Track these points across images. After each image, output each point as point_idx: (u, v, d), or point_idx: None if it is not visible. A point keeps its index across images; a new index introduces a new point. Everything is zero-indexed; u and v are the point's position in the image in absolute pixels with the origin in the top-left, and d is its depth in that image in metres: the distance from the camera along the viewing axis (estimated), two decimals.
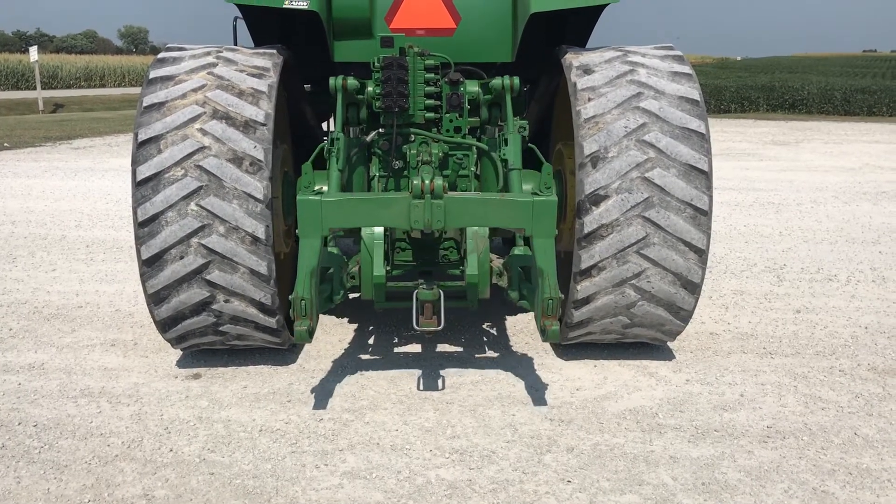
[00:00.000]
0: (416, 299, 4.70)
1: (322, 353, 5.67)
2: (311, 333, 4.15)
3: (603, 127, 4.86)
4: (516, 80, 5.38)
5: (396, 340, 5.92)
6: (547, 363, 5.49)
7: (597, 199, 4.81)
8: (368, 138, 5.23)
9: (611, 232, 4.83)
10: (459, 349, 5.73)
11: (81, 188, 13.26)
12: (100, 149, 19.52)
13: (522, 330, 6.17)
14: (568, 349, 5.66)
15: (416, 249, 5.44)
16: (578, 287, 4.97)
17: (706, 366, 5.47)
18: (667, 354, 5.65)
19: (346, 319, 6.39)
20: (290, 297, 4.16)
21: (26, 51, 41.95)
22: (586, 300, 5.03)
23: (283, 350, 5.60)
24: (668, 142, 4.83)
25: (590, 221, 4.82)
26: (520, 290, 4.83)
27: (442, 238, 5.37)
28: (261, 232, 4.75)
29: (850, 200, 12.18)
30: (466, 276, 4.94)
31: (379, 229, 5.07)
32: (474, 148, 5.45)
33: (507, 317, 6.48)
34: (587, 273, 4.93)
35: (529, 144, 5.20)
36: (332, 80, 5.29)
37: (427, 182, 4.04)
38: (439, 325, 4.67)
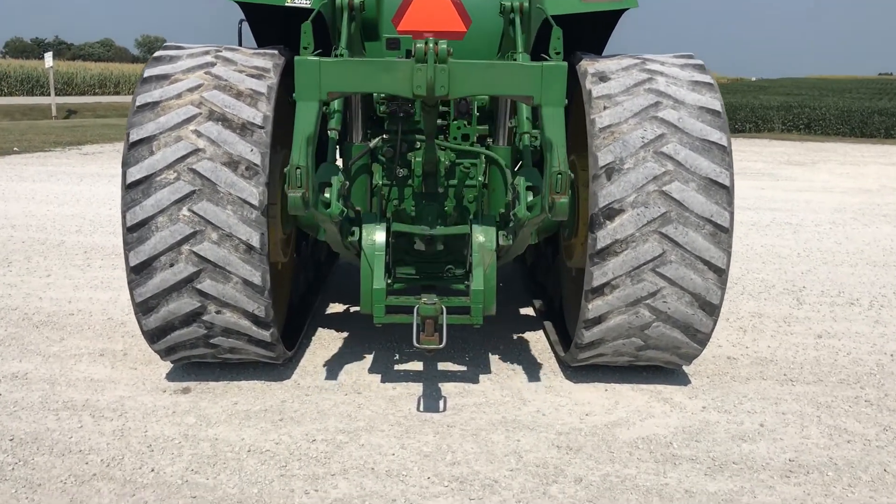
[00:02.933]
0: (417, 315, 4.43)
1: (318, 369, 5.40)
2: (306, 203, 3.85)
3: (619, 137, 4.60)
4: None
5: (397, 357, 5.65)
6: (555, 386, 5.20)
7: (611, 212, 4.54)
8: (372, 145, 4.98)
9: (625, 248, 4.56)
10: (462, 368, 5.45)
11: (86, 193, 13.08)
12: (109, 154, 19.39)
13: (531, 349, 5.89)
14: (578, 371, 5.38)
15: (419, 262, 5.18)
16: (590, 306, 4.69)
17: (723, 392, 5.17)
18: (682, 379, 5.36)
19: (345, 333, 6.13)
20: (285, 168, 3.85)
21: (42, 57, 42.11)
22: (598, 320, 4.75)
23: (277, 365, 5.33)
24: (688, 154, 4.56)
25: (603, 236, 4.55)
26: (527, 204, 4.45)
27: (445, 250, 5.10)
28: (255, 240, 4.51)
29: (869, 223, 11.85)
30: (471, 292, 4.67)
31: (380, 240, 4.81)
32: (482, 156, 5.20)
33: (514, 334, 6.20)
34: (599, 291, 4.66)
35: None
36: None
37: (431, 45, 3.74)
38: (441, 342, 4.40)
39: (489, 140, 5.24)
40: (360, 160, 5.04)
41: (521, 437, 4.47)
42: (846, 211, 12.86)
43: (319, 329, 6.22)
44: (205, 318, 4.70)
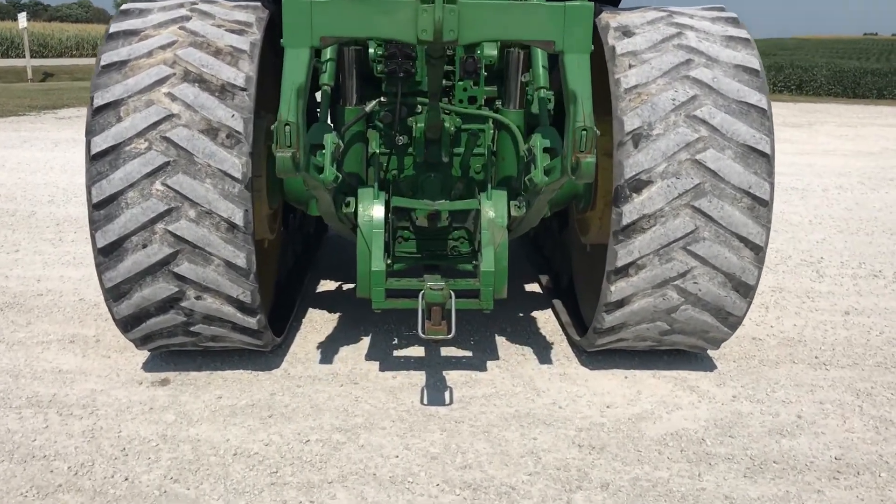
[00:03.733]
0: (422, 301, 3.95)
1: (310, 357, 4.93)
2: (296, 165, 3.39)
3: (647, 99, 4.10)
4: None
5: (396, 342, 5.18)
6: (570, 373, 4.75)
7: (638, 184, 4.06)
8: (368, 108, 4.44)
9: (653, 224, 4.09)
10: (468, 354, 4.99)
11: (60, 160, 12.43)
12: (86, 119, 18.66)
13: (541, 330, 5.43)
14: (594, 357, 4.93)
15: (422, 239, 4.68)
16: (612, 287, 4.23)
17: (753, 378, 4.75)
18: (706, 364, 4.93)
19: (338, 314, 5.64)
20: (272, 127, 3.39)
21: (17, 18, 40.82)
22: (620, 303, 4.30)
23: (265, 352, 4.85)
24: (724, 118, 4.08)
25: (629, 211, 4.07)
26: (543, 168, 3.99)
27: (451, 227, 4.61)
28: (238, 217, 4.00)
29: (876, 186, 11.44)
30: (481, 273, 4.20)
31: (378, 216, 4.31)
32: (491, 121, 4.68)
33: (523, 314, 5.74)
34: (623, 272, 4.19)
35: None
36: None
37: None
38: (449, 332, 3.93)
39: (498, 103, 4.71)
40: (354, 126, 4.50)
41: (538, 434, 4.03)
42: (851, 175, 12.43)
43: (310, 310, 5.74)
44: (183, 304, 4.21)
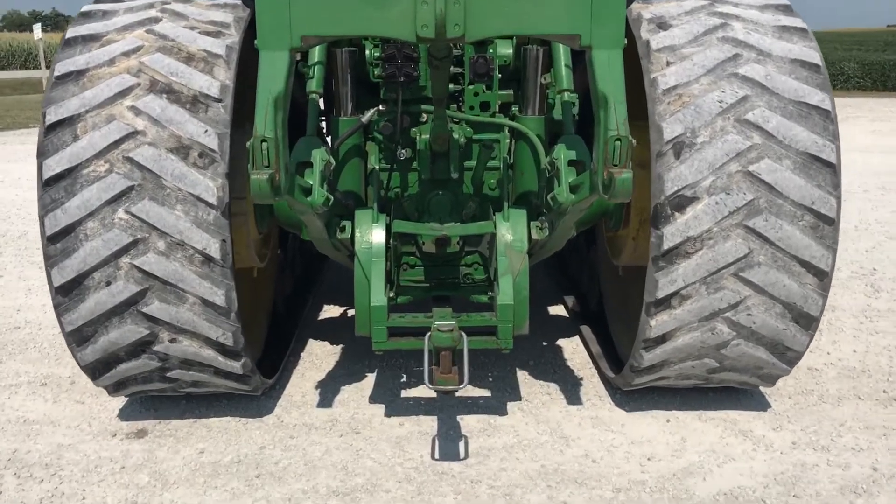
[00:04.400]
0: (429, 345, 3.36)
1: (308, 399, 4.36)
2: (276, 189, 2.90)
3: (689, 101, 3.51)
4: None
5: (404, 379, 4.60)
6: (604, 417, 4.15)
7: (681, 202, 3.46)
8: (365, 119, 3.87)
9: (700, 248, 3.49)
10: (485, 393, 4.40)
11: None
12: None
13: (568, 363, 4.83)
14: (630, 396, 4.32)
15: (429, 267, 4.09)
16: (652, 322, 3.64)
17: (814, 419, 4.12)
18: (758, 402, 4.31)
19: (341, 347, 5.07)
20: (247, 143, 2.90)
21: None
22: (662, 339, 3.70)
23: (257, 395, 4.28)
24: (780, 122, 3.48)
25: (671, 233, 3.47)
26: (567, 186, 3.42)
27: (462, 252, 4.03)
28: (214, 248, 3.45)
29: None
30: (498, 307, 3.61)
31: (379, 242, 3.75)
32: (507, 130, 4.08)
33: (546, 343, 5.14)
34: (665, 303, 3.59)
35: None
36: None
37: None
38: (462, 382, 3.34)
39: (514, 109, 4.11)
40: (349, 139, 3.92)
41: (570, 496, 3.44)
42: (892, 173, 11.70)
43: (310, 341, 5.17)
44: (156, 348, 3.66)
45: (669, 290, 3.55)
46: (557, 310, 5.76)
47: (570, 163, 3.48)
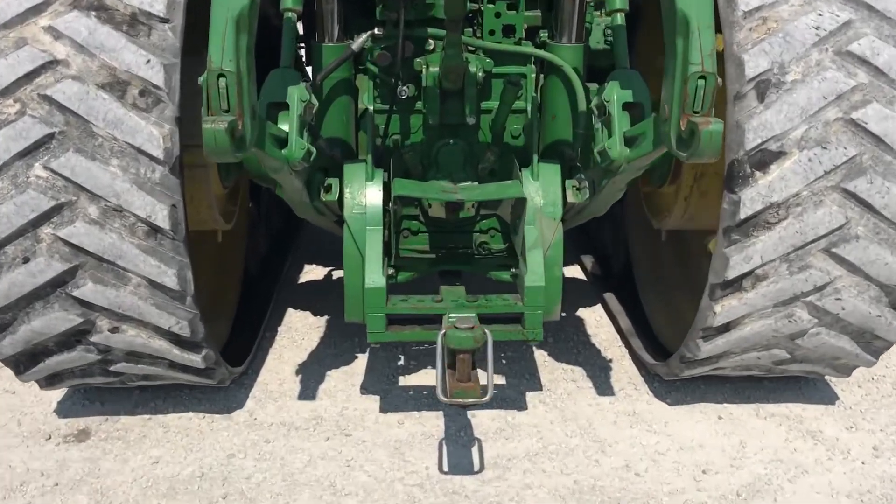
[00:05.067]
0: (443, 348, 2.60)
1: (286, 390, 3.63)
2: (239, 141, 2.23)
3: (776, 27, 2.73)
4: None
5: (402, 362, 3.87)
6: (642, 412, 3.45)
7: (764, 157, 2.72)
8: (356, 46, 3.01)
9: (784, 216, 2.76)
10: (501, 382, 3.68)
11: None
12: None
13: (592, 340, 4.12)
14: (671, 385, 3.62)
15: (437, 234, 3.31)
16: (718, 307, 2.92)
17: (894, 416, 3.46)
18: (823, 392, 3.63)
19: (326, 319, 4.31)
20: (199, 79, 2.23)
21: None
22: (726, 327, 2.99)
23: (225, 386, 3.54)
24: (893, 55, 2.70)
25: (751, 199, 2.73)
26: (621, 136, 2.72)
27: (478, 216, 3.26)
28: (162, 216, 2.68)
29: None
30: (524, 289, 2.87)
31: (375, 205, 2.98)
32: (535, 62, 3.24)
33: (566, 314, 4.39)
34: (736, 285, 2.87)
35: None
36: None
37: None
38: (484, 394, 2.59)
39: (544, 34, 3.24)
40: (336, 72, 3.07)
41: None
42: None
43: (289, 312, 4.41)
44: (94, 339, 2.91)
45: (743, 270, 2.82)
46: (573, 271, 5.00)
47: (625, 106, 2.70)
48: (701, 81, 2.21)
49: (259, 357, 3.90)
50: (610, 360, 3.88)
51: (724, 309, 2.92)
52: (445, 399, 2.55)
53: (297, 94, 2.66)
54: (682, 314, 3.78)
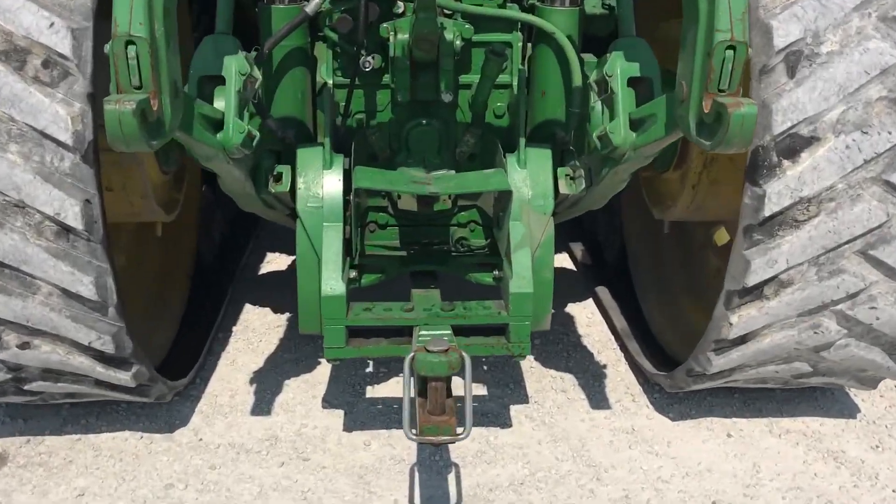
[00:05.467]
0: (412, 373, 2.17)
1: (237, 403, 3.19)
2: (155, 126, 1.79)
3: None
4: None
5: (370, 370, 3.43)
6: (642, 429, 3.05)
7: (795, 144, 2.30)
8: (310, 8, 2.53)
9: (816, 213, 2.34)
10: (481, 392, 3.27)
11: None
12: None
13: (583, 341, 3.71)
14: (675, 398, 3.22)
15: (406, 227, 2.87)
16: (734, 317, 2.51)
17: None
18: (842, 403, 3.25)
19: (287, 317, 3.86)
20: (104, 47, 1.78)
21: None
22: (743, 339, 2.58)
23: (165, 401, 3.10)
24: None
25: (778, 192, 2.32)
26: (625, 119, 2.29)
27: (456, 208, 2.82)
28: (73, 213, 2.23)
29: None
30: (510, 296, 2.45)
31: (333, 195, 2.54)
32: (522, 28, 2.77)
33: (553, 312, 3.98)
34: (756, 292, 2.47)
35: None
36: None
37: None
38: (464, 432, 2.16)
39: None
40: (289, 38, 2.60)
41: None
42: None
43: (246, 308, 3.96)
44: (1, 356, 2.45)
45: (765, 275, 2.41)
46: (561, 259, 4.56)
47: (631, 82, 2.26)
48: (729, 52, 1.78)
49: (210, 362, 3.46)
50: (604, 366, 3.47)
51: (742, 319, 2.51)
52: (414, 436, 2.13)
53: (235, 66, 2.20)
54: (686, 316, 3.39)
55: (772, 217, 2.34)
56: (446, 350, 2.10)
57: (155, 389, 2.78)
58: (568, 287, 4.14)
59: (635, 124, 2.22)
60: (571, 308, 3.99)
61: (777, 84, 2.27)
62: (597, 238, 4.40)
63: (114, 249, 3.14)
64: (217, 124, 2.16)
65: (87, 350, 2.46)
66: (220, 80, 2.23)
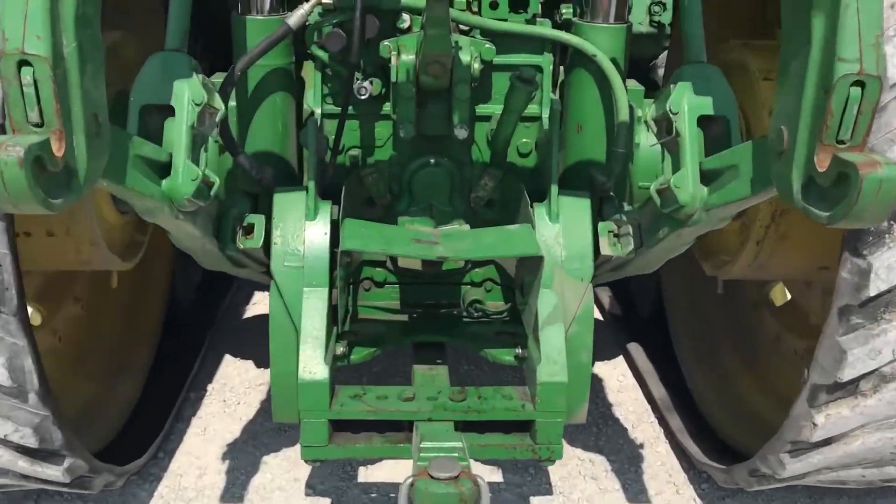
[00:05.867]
0: (410, 498, 1.66)
1: (205, 488, 2.70)
2: (61, 176, 1.31)
3: None
4: None
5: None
6: None
7: None
8: (293, 21, 2.03)
9: None
10: (494, 480, 2.74)
11: None
12: None
13: (616, 416, 3.19)
14: (727, 491, 2.69)
15: (409, 285, 2.36)
16: (820, 417, 2.01)
17: None
18: None
19: (267, 375, 3.35)
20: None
21: None
22: (827, 441, 2.05)
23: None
24: None
25: (886, 265, 1.81)
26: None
27: (468, 266, 2.32)
28: None
29: None
30: (538, 385, 1.93)
31: (317, 255, 2.03)
32: (552, 48, 2.25)
33: None
34: (851, 388, 1.94)
35: None
36: None
37: None
38: None
39: (566, 10, 2.26)
40: (267, 58, 2.10)
41: None
42: None
43: (226, 360, 3.46)
44: None
45: (864, 369, 1.91)
46: None
47: (702, 120, 1.77)
48: (856, 91, 1.28)
49: (178, 430, 2.97)
50: (641, 446, 2.95)
51: (830, 420, 2.00)
52: None
53: (187, 93, 1.71)
54: (739, 389, 2.88)
55: (878, 297, 1.83)
56: (457, 477, 1.59)
57: (98, 481, 2.28)
58: (597, 343, 3.62)
59: (707, 177, 1.72)
60: (599, 368, 3.47)
61: (889, 128, 1.76)
62: (628, 284, 3.87)
63: (65, 299, 2.68)
64: (163, 168, 1.67)
65: (5, 444, 1.97)
66: (169, 111, 1.73)
